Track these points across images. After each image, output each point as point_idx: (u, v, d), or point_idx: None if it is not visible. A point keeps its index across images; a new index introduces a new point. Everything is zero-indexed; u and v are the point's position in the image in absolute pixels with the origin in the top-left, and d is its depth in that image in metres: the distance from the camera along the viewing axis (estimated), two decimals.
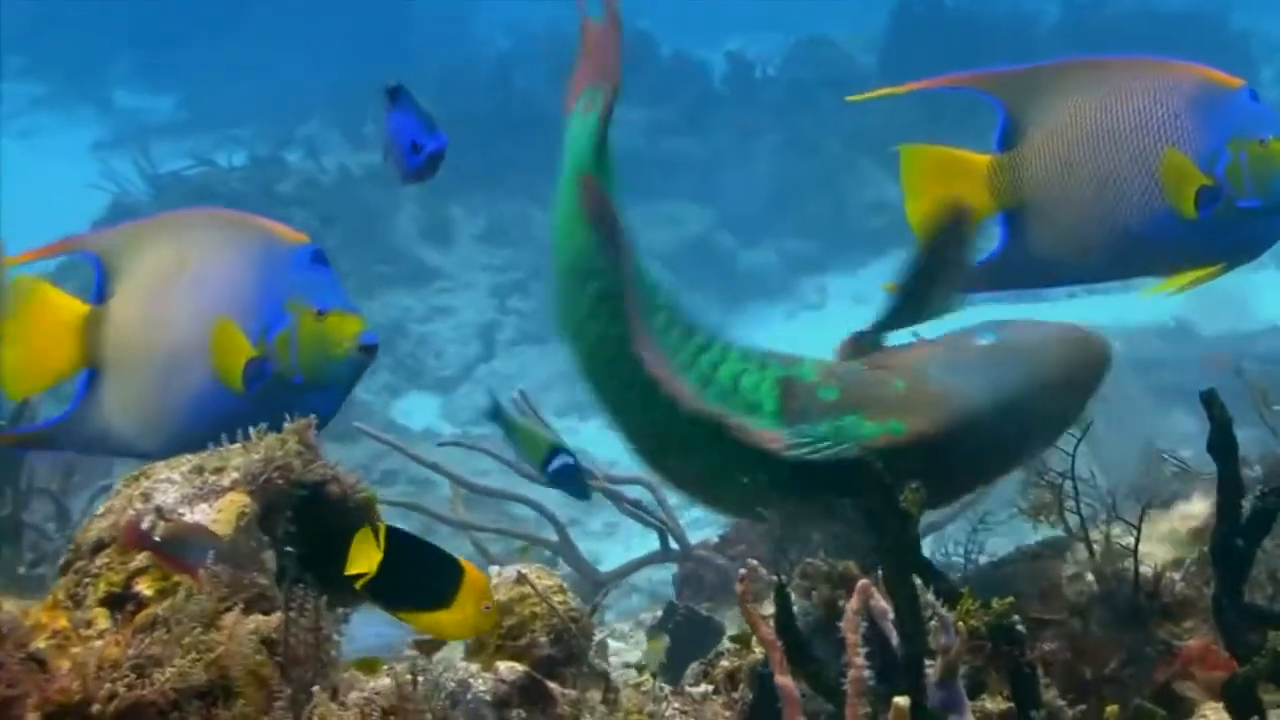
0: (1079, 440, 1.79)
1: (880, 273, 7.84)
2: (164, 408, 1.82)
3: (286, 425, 1.59)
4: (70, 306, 1.87)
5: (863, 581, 1.35)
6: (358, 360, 1.84)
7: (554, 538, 3.16)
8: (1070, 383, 1.84)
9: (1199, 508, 1.85)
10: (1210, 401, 1.57)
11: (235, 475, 1.54)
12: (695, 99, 8.56)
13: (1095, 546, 1.77)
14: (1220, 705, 1.58)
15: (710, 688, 1.69)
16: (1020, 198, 1.98)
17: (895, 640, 1.38)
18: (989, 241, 2.03)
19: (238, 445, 1.59)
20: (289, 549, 1.51)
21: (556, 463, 2.32)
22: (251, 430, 1.58)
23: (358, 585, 1.42)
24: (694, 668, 1.79)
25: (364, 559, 1.42)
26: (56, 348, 1.85)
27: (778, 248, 7.70)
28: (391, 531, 1.44)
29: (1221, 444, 1.58)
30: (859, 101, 2.14)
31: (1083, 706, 1.58)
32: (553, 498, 2.78)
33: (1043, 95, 1.97)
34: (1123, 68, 1.96)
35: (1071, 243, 1.98)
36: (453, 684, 1.53)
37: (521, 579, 1.71)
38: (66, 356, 1.85)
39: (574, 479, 2.33)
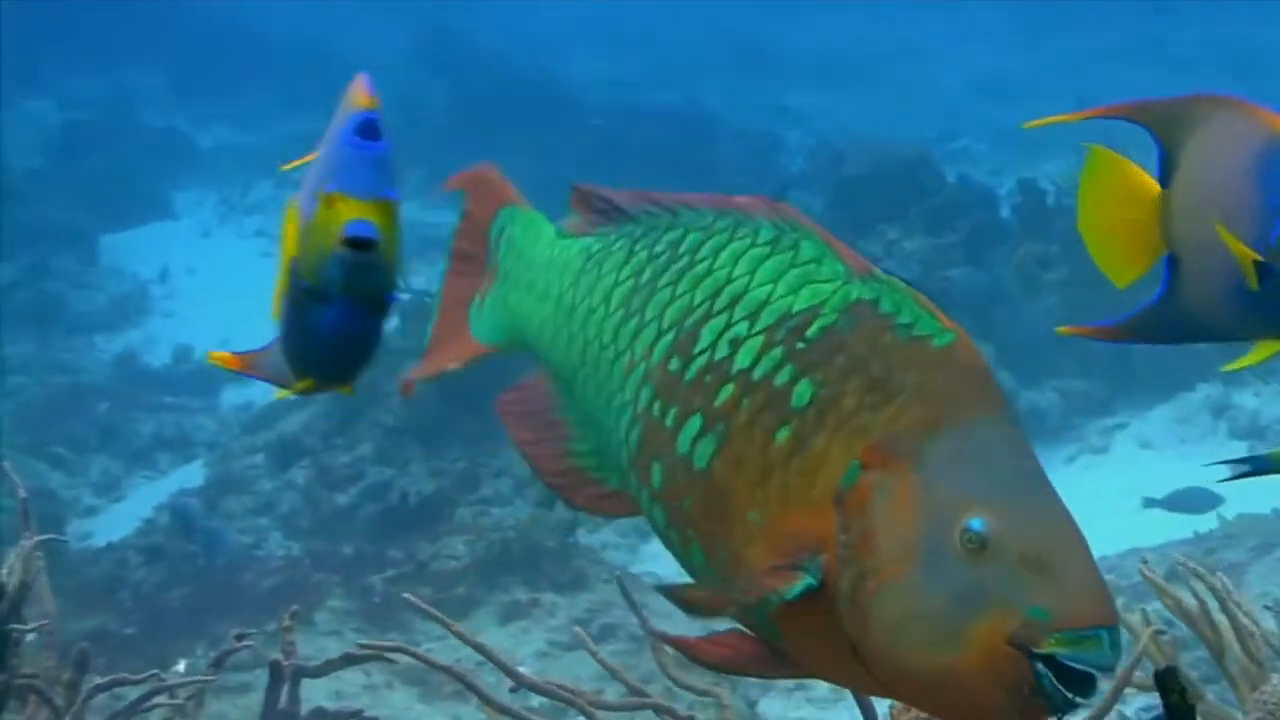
0: None
1: (1168, 417, 7.41)
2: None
3: None
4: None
5: None
6: None
7: None
8: None
9: None
10: (1169, 685, 1.23)
11: None
12: (979, 227, 8.18)
13: None
14: None
15: None
16: (1172, 241, 1.78)
17: None
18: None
19: None
20: None
21: None
22: None
23: None
24: None
25: None
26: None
27: (1060, 387, 7.34)
28: None
29: None
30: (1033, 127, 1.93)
31: None
32: None
33: (1191, 131, 1.77)
34: (1259, 111, 1.76)
35: (1212, 293, 1.77)
36: None
37: None
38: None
39: None
